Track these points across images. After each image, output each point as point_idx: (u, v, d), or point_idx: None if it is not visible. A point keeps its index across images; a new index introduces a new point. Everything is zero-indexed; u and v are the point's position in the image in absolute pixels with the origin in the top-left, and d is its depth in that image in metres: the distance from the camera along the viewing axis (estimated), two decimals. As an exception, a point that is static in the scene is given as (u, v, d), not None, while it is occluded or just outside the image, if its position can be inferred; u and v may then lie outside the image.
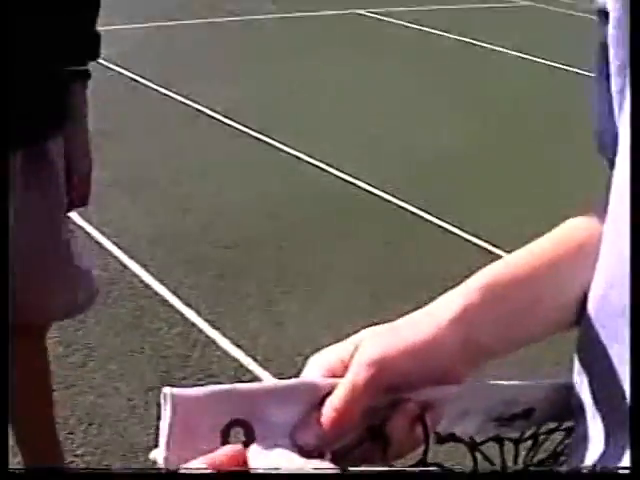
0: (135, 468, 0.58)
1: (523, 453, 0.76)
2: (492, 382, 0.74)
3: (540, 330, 0.75)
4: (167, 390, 0.63)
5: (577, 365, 0.73)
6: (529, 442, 0.76)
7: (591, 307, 0.70)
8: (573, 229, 0.79)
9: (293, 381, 0.68)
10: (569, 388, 0.75)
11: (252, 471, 0.60)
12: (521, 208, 4.96)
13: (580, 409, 0.73)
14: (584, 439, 0.71)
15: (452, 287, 0.75)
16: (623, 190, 0.63)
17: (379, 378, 0.67)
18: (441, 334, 0.70)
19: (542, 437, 0.76)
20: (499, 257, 0.77)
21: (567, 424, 0.75)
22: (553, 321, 0.75)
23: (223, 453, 0.62)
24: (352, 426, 0.67)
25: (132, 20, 9.48)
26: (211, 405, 0.64)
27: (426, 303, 0.74)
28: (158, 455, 0.63)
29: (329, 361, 0.71)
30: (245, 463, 0.62)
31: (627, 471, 0.57)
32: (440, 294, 0.75)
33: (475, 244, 4.52)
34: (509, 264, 0.76)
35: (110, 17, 9.40)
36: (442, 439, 0.72)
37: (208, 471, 0.58)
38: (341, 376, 0.69)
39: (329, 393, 0.67)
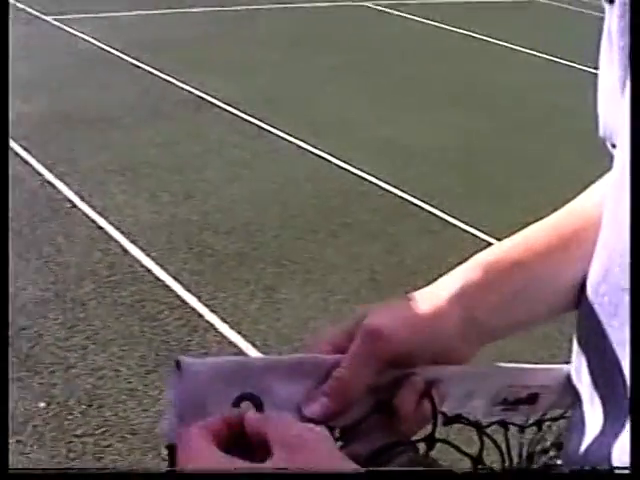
0: (133, 468, 0.58)
1: (528, 436, 0.77)
2: (497, 364, 0.76)
3: (539, 311, 0.77)
4: (181, 358, 0.64)
5: (576, 347, 0.74)
6: (534, 428, 0.78)
7: (590, 287, 0.71)
8: (569, 214, 0.80)
9: (300, 356, 0.70)
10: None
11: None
12: (520, 200, 4.97)
13: (577, 392, 0.73)
14: (581, 423, 0.72)
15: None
16: (623, 172, 0.65)
17: (380, 347, 0.69)
18: (440, 309, 0.72)
19: (546, 424, 0.78)
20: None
21: (571, 412, 0.76)
22: (551, 303, 0.77)
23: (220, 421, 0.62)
24: (357, 397, 0.69)
25: (136, 7, 9.46)
26: (222, 376, 0.65)
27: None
28: (168, 425, 0.64)
29: (334, 336, 0.73)
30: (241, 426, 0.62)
31: (627, 471, 0.58)
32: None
33: (472, 234, 4.53)
34: (504, 248, 0.78)
35: (115, 3, 9.42)
36: (449, 420, 0.73)
37: (207, 471, 0.58)
38: (346, 350, 0.70)
39: (334, 367, 0.69)
